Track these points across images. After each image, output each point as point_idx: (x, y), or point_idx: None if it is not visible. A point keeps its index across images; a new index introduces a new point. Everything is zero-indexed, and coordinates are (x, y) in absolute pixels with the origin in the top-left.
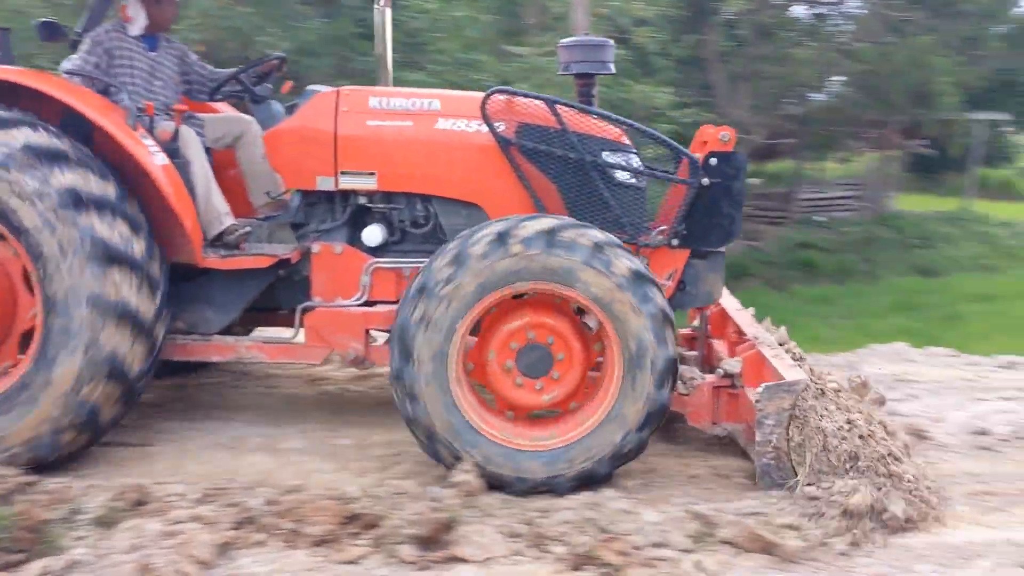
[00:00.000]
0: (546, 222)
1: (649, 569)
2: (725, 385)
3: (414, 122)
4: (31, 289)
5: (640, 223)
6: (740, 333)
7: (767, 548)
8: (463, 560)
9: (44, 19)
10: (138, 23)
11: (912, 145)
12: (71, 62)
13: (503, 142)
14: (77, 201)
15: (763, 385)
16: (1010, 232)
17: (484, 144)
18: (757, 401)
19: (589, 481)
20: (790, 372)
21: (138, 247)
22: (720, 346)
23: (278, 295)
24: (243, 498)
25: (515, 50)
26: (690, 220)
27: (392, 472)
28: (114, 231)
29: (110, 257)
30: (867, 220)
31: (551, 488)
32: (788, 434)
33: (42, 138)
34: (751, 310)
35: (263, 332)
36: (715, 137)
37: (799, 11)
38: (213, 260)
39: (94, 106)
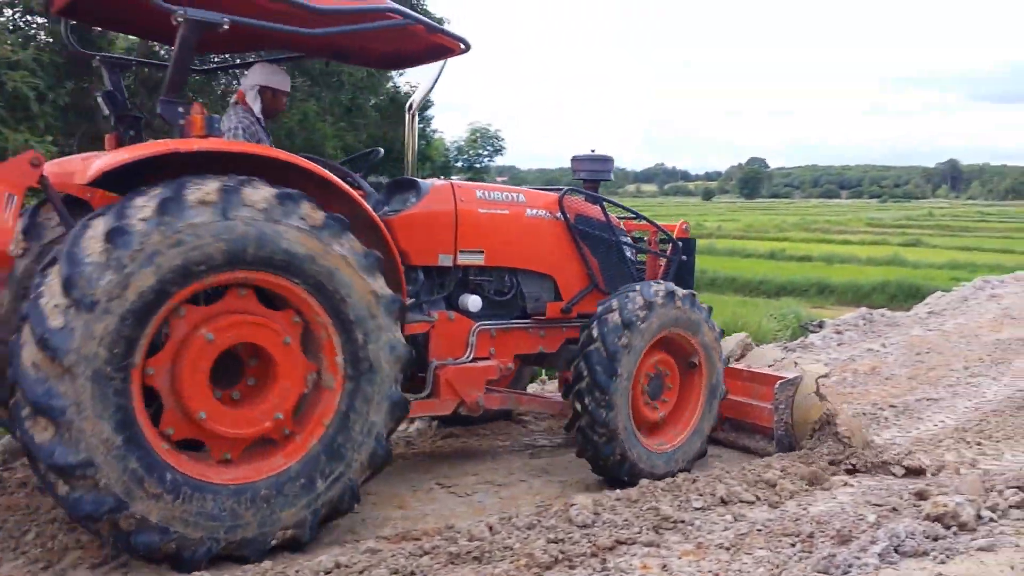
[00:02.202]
0: (686, 291)
1: None
2: None
3: (510, 211)
4: (304, 354)
5: None
6: None
7: None
8: None
9: (107, 90)
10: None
11: None
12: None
13: (573, 228)
14: (373, 264)
15: (778, 383)
16: None
17: (559, 229)
18: (776, 393)
19: (697, 458)
20: (788, 373)
21: None
22: None
23: None
24: None
25: None
26: None
27: None
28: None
29: (402, 316)
30: None
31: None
32: (793, 414)
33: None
34: None
35: None
36: (680, 227)
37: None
38: None
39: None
